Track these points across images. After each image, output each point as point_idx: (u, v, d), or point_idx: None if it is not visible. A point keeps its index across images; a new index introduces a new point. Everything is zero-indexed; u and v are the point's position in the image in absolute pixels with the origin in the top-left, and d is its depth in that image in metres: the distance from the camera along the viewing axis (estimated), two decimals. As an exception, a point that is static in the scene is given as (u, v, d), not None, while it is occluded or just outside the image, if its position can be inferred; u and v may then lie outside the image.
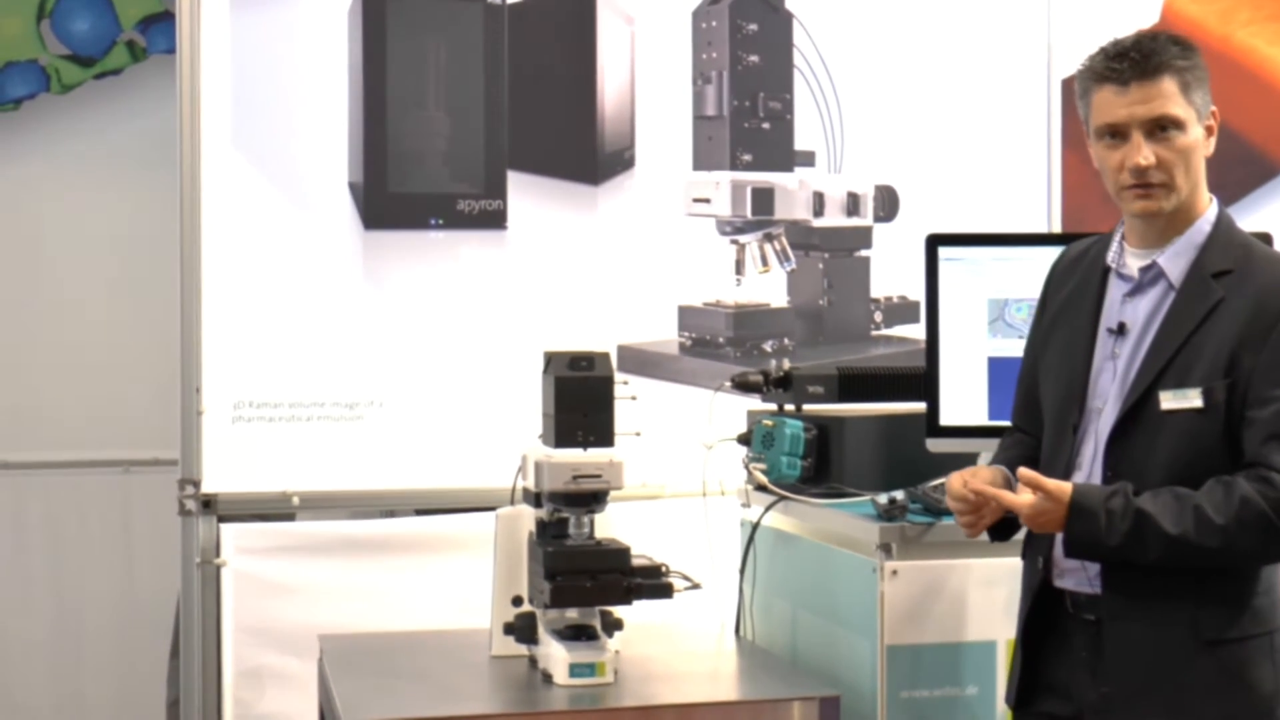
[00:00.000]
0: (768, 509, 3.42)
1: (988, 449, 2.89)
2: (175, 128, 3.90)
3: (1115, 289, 2.60)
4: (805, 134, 4.28)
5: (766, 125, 4.25)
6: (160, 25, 4.94)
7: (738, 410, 3.66)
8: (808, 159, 4.29)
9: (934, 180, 4.34)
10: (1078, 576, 2.56)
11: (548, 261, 4.10)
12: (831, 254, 4.30)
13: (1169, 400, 2.47)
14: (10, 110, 4.98)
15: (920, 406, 3.26)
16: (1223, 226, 2.56)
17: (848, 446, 3.36)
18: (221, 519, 3.90)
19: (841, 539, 3.17)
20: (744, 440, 3.52)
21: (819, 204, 4.28)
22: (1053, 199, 4.44)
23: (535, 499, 3.05)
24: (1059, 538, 2.52)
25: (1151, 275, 2.56)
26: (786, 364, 3.64)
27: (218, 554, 3.89)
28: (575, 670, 2.90)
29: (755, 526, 3.48)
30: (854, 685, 3.01)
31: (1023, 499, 2.49)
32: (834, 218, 4.29)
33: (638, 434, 3.03)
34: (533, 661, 3.07)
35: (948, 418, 3.20)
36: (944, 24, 4.37)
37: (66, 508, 4.92)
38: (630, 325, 4.14)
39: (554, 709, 2.86)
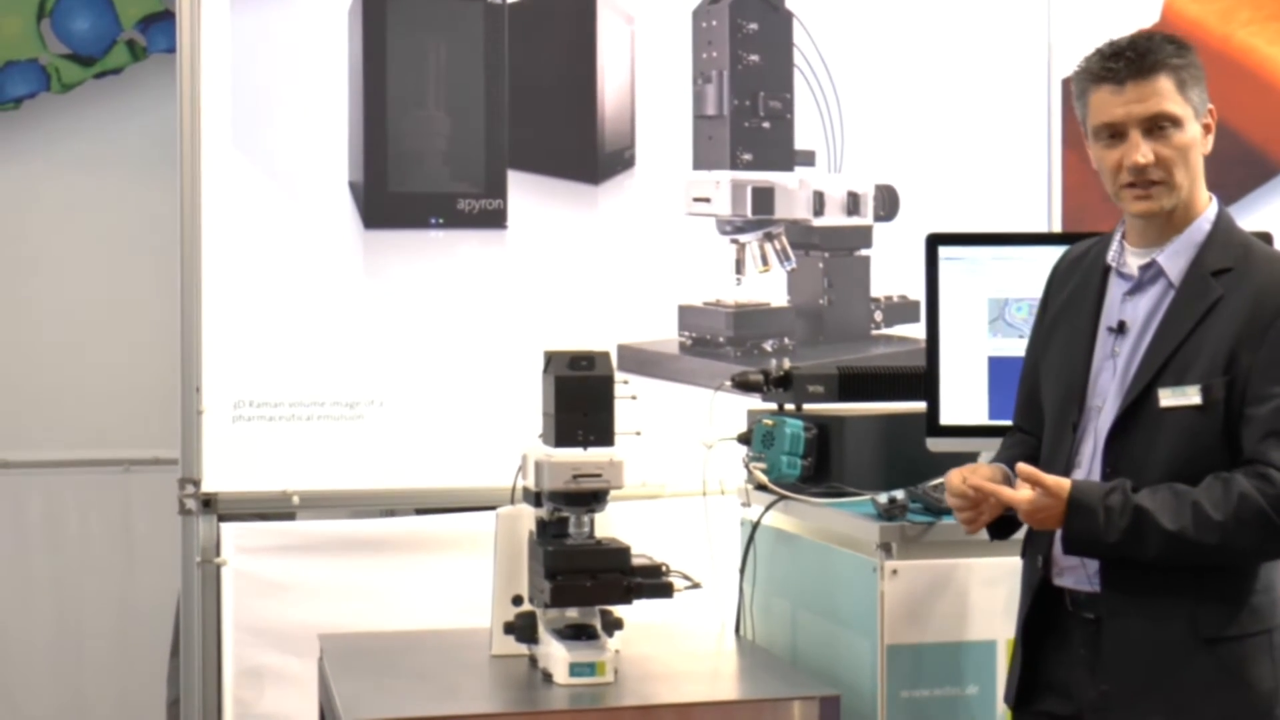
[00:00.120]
0: (768, 508, 3.42)
1: (988, 448, 2.89)
2: (175, 127, 3.90)
3: (1115, 288, 2.61)
4: (805, 133, 4.28)
5: (766, 125, 4.25)
6: (160, 24, 4.94)
7: (738, 410, 3.66)
8: (808, 158, 4.29)
9: (934, 180, 4.34)
10: (1077, 575, 2.56)
11: (548, 261, 4.10)
12: (832, 253, 4.31)
13: (1168, 398, 2.48)
14: (10, 109, 4.98)
15: (920, 406, 3.26)
16: (1223, 225, 2.57)
17: (848, 446, 3.36)
18: (222, 518, 3.91)
19: (842, 538, 3.17)
20: (744, 440, 3.52)
21: (819, 203, 4.28)
22: (1053, 199, 4.44)
23: (535, 498, 3.05)
24: (1058, 536, 2.52)
25: (1151, 274, 2.56)
26: (787, 363, 3.64)
27: (218, 553, 3.89)
28: (575, 670, 2.90)
29: (755, 526, 3.48)
30: (854, 685, 3.01)
31: (1021, 495, 2.49)
32: (834, 217, 4.30)
33: (638, 433, 3.03)
34: (533, 661, 3.07)
35: (948, 417, 3.20)
36: (944, 24, 4.37)
37: (66, 507, 4.92)
38: (630, 325, 4.14)
39: (554, 708, 2.86)
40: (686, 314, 4.20)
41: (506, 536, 3.17)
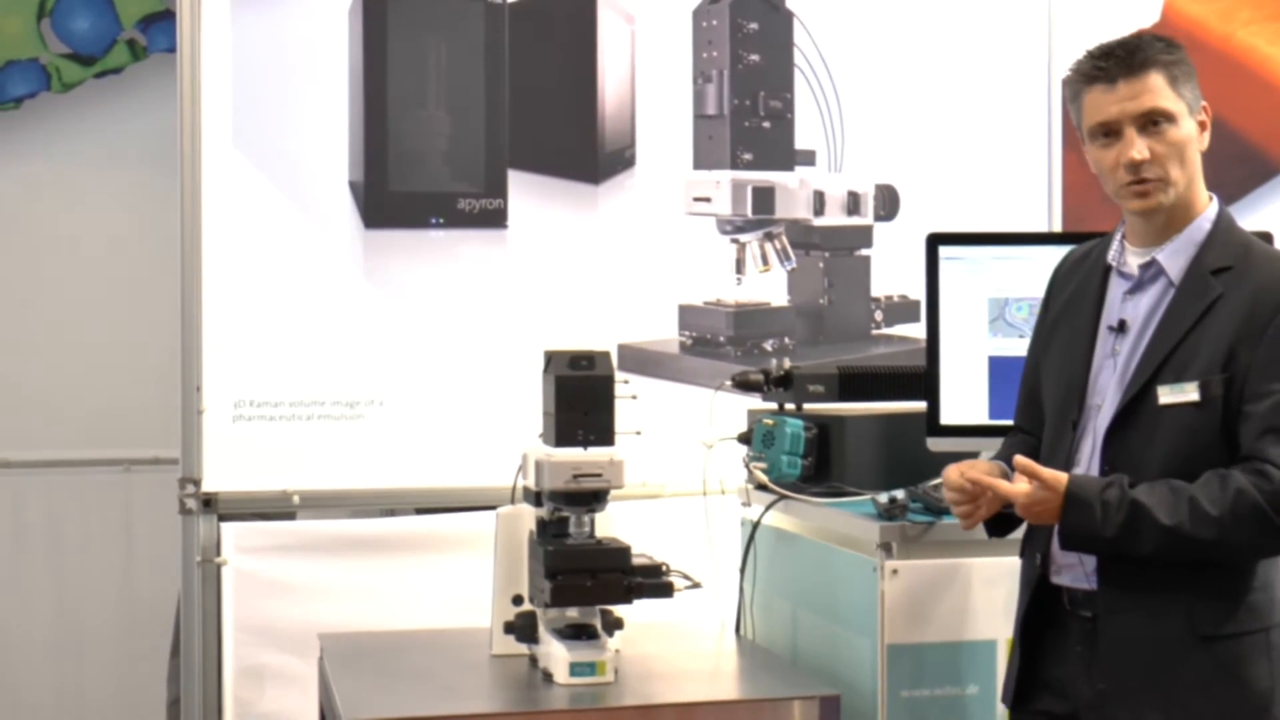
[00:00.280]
0: (768, 508, 3.42)
1: (988, 448, 2.89)
2: (176, 127, 3.90)
3: (1116, 287, 2.61)
4: (806, 133, 4.28)
5: (767, 124, 4.25)
6: (161, 24, 4.94)
7: (738, 409, 3.66)
8: (808, 158, 4.29)
9: (934, 179, 4.34)
10: (1074, 572, 2.56)
11: (548, 260, 4.10)
12: (832, 253, 4.31)
13: (1166, 395, 2.48)
14: (11, 109, 4.98)
15: (921, 406, 3.26)
16: (1223, 224, 2.57)
17: (848, 445, 3.36)
18: (222, 518, 3.90)
19: (842, 538, 3.17)
20: (744, 439, 3.52)
21: (819, 203, 4.28)
22: (1053, 199, 4.44)
23: (536, 498, 3.05)
24: (1056, 534, 2.52)
25: (1152, 273, 2.57)
26: (787, 363, 3.64)
27: (218, 553, 3.89)
28: (576, 669, 2.90)
29: (756, 525, 3.48)
30: (854, 684, 3.01)
31: (1018, 488, 2.50)
32: (834, 217, 4.30)
33: (638, 433, 3.03)
34: (533, 660, 3.07)
35: (948, 417, 3.20)
36: (944, 24, 4.37)
37: (67, 507, 4.92)
38: (631, 324, 4.14)
39: (554, 708, 2.86)
40: (687, 314, 4.20)
41: (506, 536, 3.17)
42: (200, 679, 3.90)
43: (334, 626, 3.54)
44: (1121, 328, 2.57)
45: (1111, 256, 2.63)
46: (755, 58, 4.24)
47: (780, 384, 3.55)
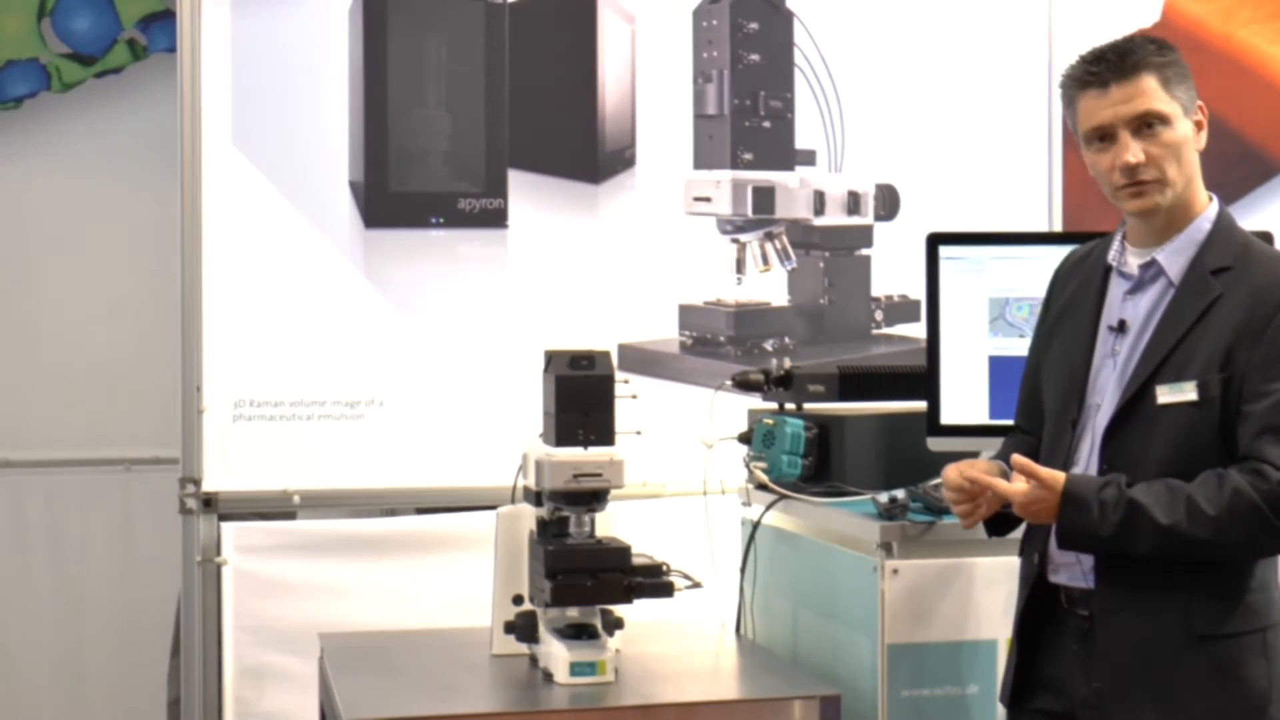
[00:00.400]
0: (768, 508, 3.42)
1: (988, 448, 2.89)
2: (176, 126, 3.90)
3: (1116, 287, 2.62)
4: (806, 133, 4.28)
5: (767, 124, 4.25)
6: (161, 24, 4.94)
7: (738, 409, 3.66)
8: (808, 158, 4.29)
9: (934, 179, 4.34)
10: (1072, 571, 2.56)
11: (548, 260, 4.10)
12: (832, 253, 4.31)
13: (1165, 394, 2.48)
14: (11, 109, 4.97)
15: (921, 405, 3.26)
16: (1223, 224, 2.57)
17: (848, 445, 3.36)
18: (222, 517, 3.91)
19: (842, 538, 3.17)
20: (745, 439, 3.53)
21: (820, 203, 4.28)
22: (1053, 198, 4.44)
23: (536, 498, 3.05)
24: (1054, 533, 2.52)
25: (1152, 273, 2.57)
26: (787, 363, 3.64)
27: (218, 552, 3.89)
28: (576, 669, 2.90)
29: (756, 525, 3.48)
30: (854, 684, 3.01)
31: (1016, 487, 2.50)
32: (835, 216, 4.30)
33: (638, 433, 3.03)
34: (533, 660, 3.07)
35: (948, 416, 3.20)
36: (944, 23, 4.37)
37: (67, 507, 4.91)
38: (631, 324, 4.14)
39: (554, 708, 2.86)
40: (687, 313, 4.20)
41: (507, 536, 3.17)
42: (200, 679, 3.90)
43: (334, 626, 3.54)
44: (1121, 328, 2.57)
45: (1112, 256, 2.63)
46: (755, 57, 4.24)
47: (780, 384, 3.55)
